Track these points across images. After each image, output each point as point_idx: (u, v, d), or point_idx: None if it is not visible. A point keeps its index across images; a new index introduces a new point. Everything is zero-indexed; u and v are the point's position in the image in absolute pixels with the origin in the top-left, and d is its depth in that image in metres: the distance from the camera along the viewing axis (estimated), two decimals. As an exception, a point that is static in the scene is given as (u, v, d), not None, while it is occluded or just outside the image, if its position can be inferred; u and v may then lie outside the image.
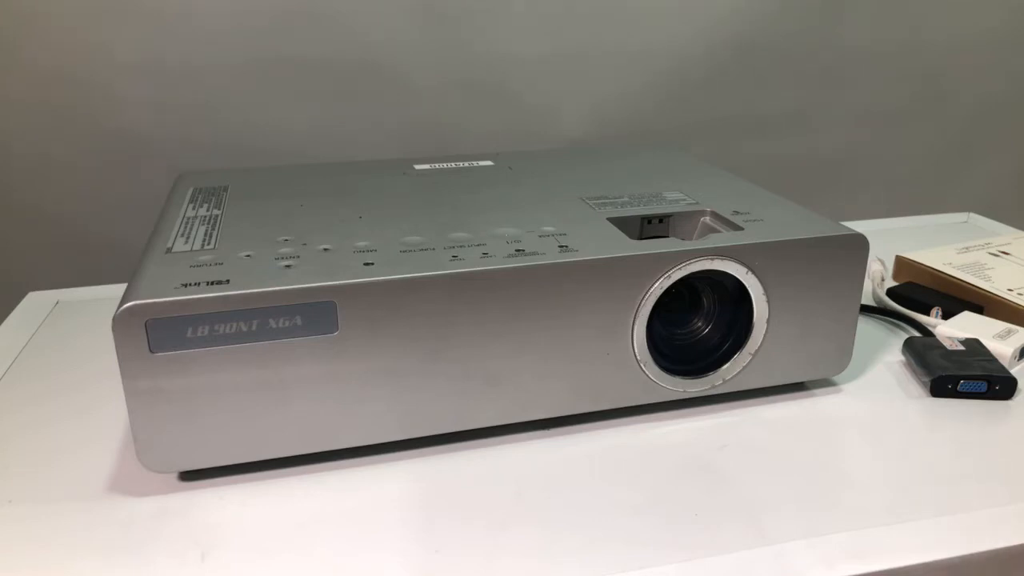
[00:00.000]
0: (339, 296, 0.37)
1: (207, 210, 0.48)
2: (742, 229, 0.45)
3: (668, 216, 0.48)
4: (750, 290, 0.43)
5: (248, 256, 0.40)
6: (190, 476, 0.40)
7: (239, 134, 0.75)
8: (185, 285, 0.37)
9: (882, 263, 0.60)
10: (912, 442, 0.43)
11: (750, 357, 0.45)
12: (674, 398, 0.45)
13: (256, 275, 0.38)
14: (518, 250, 0.41)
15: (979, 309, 0.56)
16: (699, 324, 0.46)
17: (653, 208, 0.48)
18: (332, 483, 0.40)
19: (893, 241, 0.69)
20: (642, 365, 0.43)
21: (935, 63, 0.90)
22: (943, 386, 0.47)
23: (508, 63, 0.79)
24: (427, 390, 0.40)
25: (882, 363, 0.51)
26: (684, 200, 0.50)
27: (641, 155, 0.62)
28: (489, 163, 0.60)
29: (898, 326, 0.56)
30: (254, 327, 0.37)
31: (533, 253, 0.41)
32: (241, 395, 0.38)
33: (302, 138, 0.77)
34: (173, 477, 0.40)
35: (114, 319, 0.35)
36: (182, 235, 0.44)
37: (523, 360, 0.41)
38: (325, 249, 0.41)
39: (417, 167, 0.58)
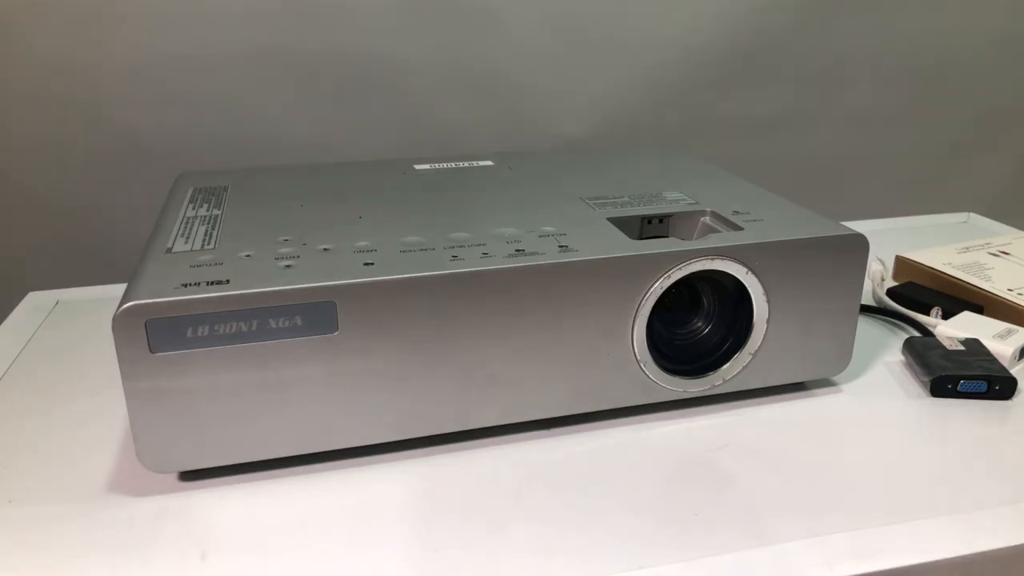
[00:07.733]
0: (339, 296, 0.37)
1: (207, 210, 0.48)
2: (742, 229, 0.45)
3: (668, 216, 0.48)
4: (750, 290, 0.43)
5: (248, 256, 0.40)
6: (190, 476, 0.40)
7: (239, 134, 0.75)
8: (185, 285, 0.37)
9: (882, 263, 0.60)
10: (912, 442, 0.43)
11: (750, 357, 0.45)
12: (674, 398, 0.45)
13: (256, 275, 0.38)
14: (518, 250, 0.41)
15: (979, 309, 0.56)
16: (699, 324, 0.46)
17: (653, 208, 0.48)
18: (332, 483, 0.40)
19: (893, 241, 0.69)
20: (642, 365, 0.43)
21: (935, 63, 0.90)
22: (943, 386, 0.47)
23: (508, 63, 0.79)
24: (427, 390, 0.40)
25: (882, 363, 0.51)
26: (684, 200, 0.50)
27: (641, 155, 0.62)
28: (489, 163, 0.60)
29: (898, 326, 0.56)
30: (254, 327, 0.37)
31: (533, 253, 0.41)
32: (241, 395, 0.38)
33: (302, 138, 0.77)
34: (173, 477, 0.40)
35: (114, 319, 0.35)
36: (182, 235, 0.44)
37: (523, 360, 0.41)
38: (325, 249, 0.41)
39: (417, 167, 0.58)
